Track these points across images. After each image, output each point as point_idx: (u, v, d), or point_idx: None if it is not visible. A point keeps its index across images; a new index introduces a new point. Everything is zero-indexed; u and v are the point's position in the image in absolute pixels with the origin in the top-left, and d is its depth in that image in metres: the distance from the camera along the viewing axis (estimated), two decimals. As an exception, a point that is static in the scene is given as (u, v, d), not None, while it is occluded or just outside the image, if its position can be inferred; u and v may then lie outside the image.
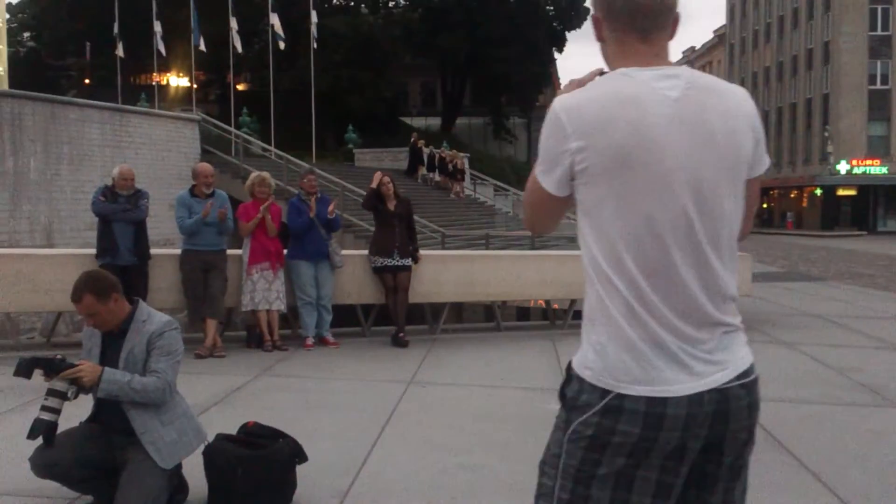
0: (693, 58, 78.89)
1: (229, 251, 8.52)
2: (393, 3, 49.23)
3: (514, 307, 12.78)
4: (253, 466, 3.99)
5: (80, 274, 3.94)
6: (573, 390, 1.91)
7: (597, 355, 1.87)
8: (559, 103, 1.88)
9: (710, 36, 74.77)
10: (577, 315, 10.02)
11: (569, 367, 1.96)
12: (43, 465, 3.78)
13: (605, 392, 1.84)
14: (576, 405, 1.89)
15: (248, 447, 4.11)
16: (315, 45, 30.44)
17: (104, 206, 8.09)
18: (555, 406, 1.99)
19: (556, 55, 53.28)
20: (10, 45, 33.03)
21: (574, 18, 49.06)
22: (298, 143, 31.01)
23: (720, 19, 74.97)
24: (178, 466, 3.95)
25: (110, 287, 3.87)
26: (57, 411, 3.65)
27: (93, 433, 3.93)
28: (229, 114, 30.71)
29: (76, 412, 4.03)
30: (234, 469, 3.98)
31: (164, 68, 41.24)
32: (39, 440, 3.68)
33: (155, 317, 3.97)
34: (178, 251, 8.48)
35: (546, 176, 1.92)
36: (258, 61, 37.41)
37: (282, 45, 30.06)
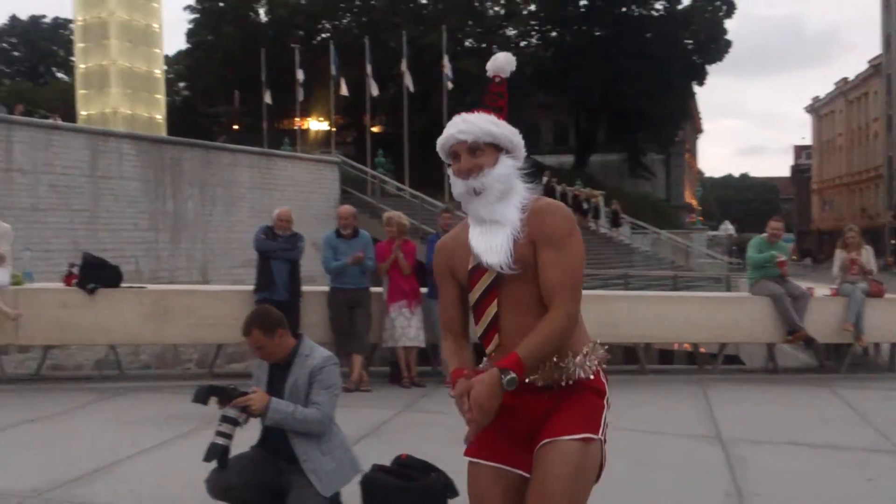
0: (846, 89, 74.92)
1: (373, 289, 8.79)
2: (525, 42, 49.47)
3: (654, 350, 12.44)
4: (408, 498, 4.12)
5: (251, 311, 4.21)
6: None
7: None
8: None
9: (865, 66, 71.22)
10: (728, 360, 9.59)
11: None
12: (219, 488, 4.03)
13: None
14: None
15: (402, 479, 4.24)
16: (450, 86, 31.01)
17: (266, 243, 8.54)
18: None
19: (696, 89, 52.02)
20: (167, 94, 35.28)
21: (715, 51, 47.79)
22: (432, 182, 31.57)
23: (875, 49, 71.04)
24: (337, 495, 4.13)
25: (276, 322, 4.13)
26: (230, 436, 3.91)
27: (261, 458, 4.16)
28: (365, 155, 31.64)
29: (243, 438, 4.27)
30: (390, 500, 4.12)
31: (305, 113, 43.02)
32: (213, 463, 3.93)
33: (316, 351, 4.21)
34: (325, 289, 8.82)
35: None
36: (392, 104, 38.46)
37: (411, 87, 30.96)
